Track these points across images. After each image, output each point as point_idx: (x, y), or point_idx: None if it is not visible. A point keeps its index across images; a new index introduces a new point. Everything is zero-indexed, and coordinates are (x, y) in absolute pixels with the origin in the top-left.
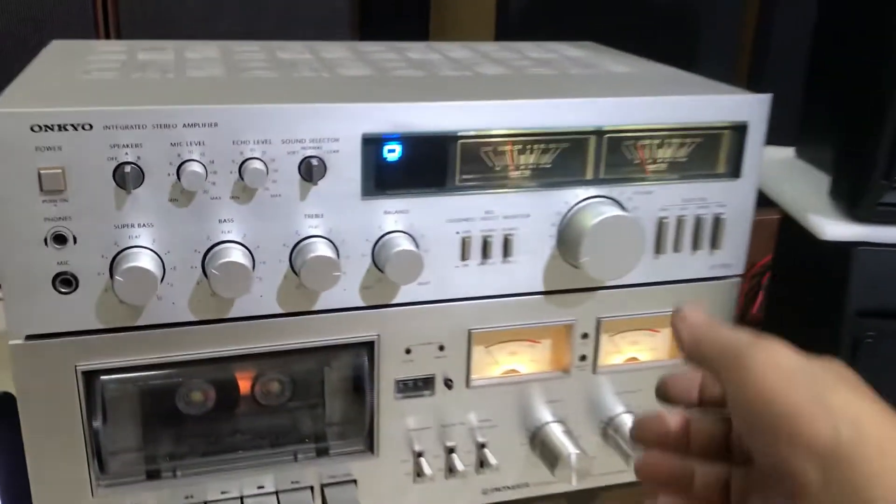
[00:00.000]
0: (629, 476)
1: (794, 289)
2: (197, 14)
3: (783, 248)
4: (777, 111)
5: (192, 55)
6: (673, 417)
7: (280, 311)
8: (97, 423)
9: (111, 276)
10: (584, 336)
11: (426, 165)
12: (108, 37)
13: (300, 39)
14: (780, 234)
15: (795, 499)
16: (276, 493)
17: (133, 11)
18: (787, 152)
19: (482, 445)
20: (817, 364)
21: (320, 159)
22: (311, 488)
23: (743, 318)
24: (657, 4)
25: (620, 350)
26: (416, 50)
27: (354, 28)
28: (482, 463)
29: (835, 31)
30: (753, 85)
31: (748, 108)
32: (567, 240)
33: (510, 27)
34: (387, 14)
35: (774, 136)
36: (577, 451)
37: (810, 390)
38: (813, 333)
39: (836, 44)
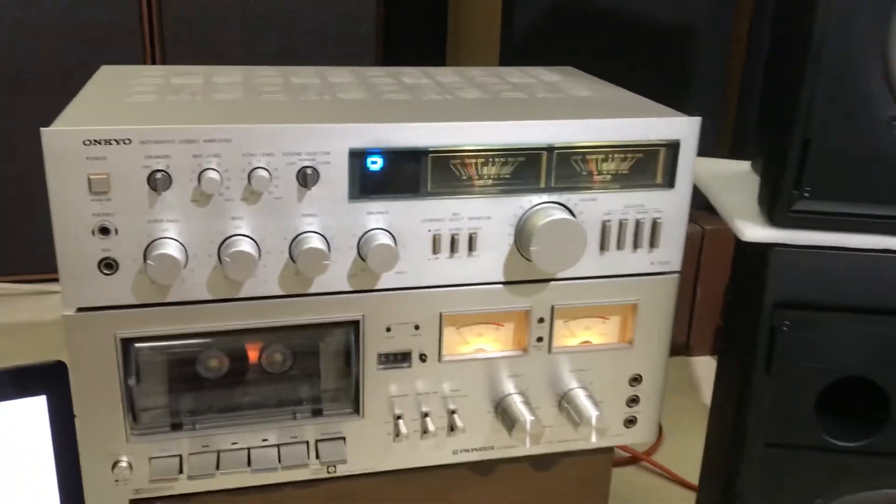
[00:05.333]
0: (581, 444)
1: (735, 286)
2: (237, 38)
3: (735, 253)
4: None
5: (219, 79)
6: None
7: (281, 292)
8: (132, 382)
9: (144, 260)
10: (541, 321)
11: (403, 175)
12: (154, 57)
13: (330, 60)
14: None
15: None
16: (278, 445)
17: (178, 35)
18: (746, 165)
19: (452, 412)
20: None
21: (314, 169)
22: (307, 443)
23: None
24: (653, 22)
25: (575, 334)
26: (410, 75)
27: (378, 52)
28: (452, 427)
29: (774, 51)
30: (742, 97)
31: (680, 128)
32: (522, 238)
33: (513, 52)
34: (408, 40)
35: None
36: (532, 418)
37: None
38: (740, 323)
39: (774, 64)
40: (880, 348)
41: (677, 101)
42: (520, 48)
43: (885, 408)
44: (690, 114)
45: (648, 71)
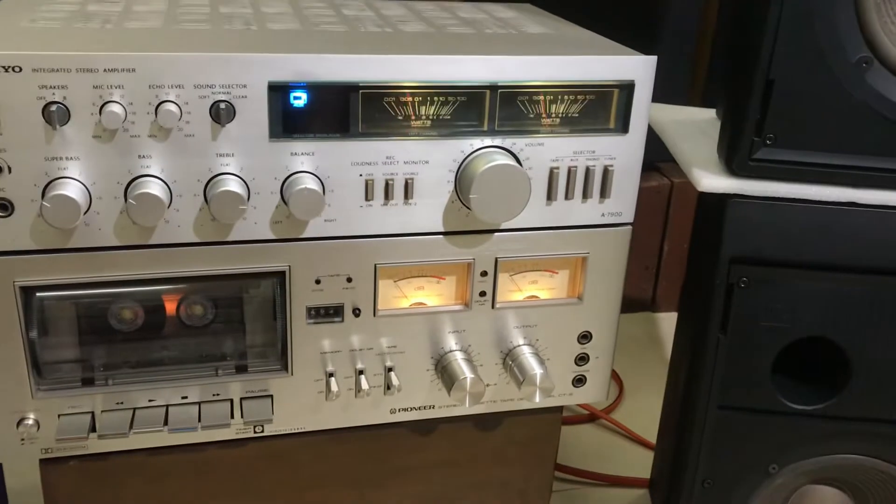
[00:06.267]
0: (526, 404)
1: (695, 241)
2: None
3: (697, 205)
4: None
5: (140, 8)
6: None
7: (196, 240)
8: (34, 335)
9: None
10: (484, 274)
11: (330, 112)
12: None
13: None
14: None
15: None
16: (199, 403)
17: None
18: (711, 112)
19: (389, 369)
20: None
21: (229, 103)
22: (231, 401)
23: None
24: None
25: (521, 288)
26: (352, 7)
27: None
28: (389, 385)
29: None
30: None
31: (635, 67)
32: (462, 185)
33: None
34: None
35: None
36: (472, 376)
37: None
38: (698, 279)
39: (729, 10)
40: (842, 308)
41: (650, 47)
42: None
43: (844, 370)
44: (662, 60)
45: (620, 17)
